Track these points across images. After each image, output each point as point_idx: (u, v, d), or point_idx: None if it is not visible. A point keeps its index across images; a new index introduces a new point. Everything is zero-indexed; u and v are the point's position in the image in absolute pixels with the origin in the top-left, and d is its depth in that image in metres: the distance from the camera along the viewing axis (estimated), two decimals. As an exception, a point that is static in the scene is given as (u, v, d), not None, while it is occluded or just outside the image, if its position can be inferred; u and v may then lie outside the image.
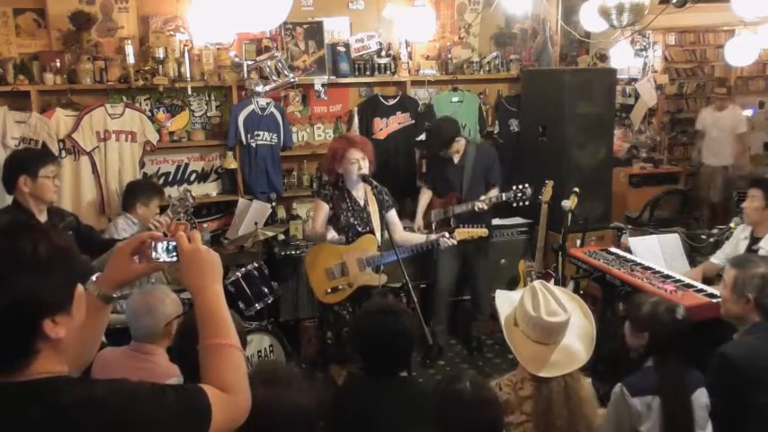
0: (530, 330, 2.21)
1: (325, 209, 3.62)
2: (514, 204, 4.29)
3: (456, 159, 4.51)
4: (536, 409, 2.14)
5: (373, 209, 3.62)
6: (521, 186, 4.26)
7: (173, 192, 4.69)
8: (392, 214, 3.74)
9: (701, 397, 2.30)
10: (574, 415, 2.13)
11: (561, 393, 2.15)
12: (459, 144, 4.47)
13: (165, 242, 1.43)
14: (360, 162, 3.51)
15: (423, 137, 5.17)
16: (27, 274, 1.11)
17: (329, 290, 3.57)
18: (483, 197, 4.32)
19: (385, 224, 3.57)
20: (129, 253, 1.44)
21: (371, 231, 3.61)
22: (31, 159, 3.21)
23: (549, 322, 2.17)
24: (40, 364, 1.14)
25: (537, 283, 2.29)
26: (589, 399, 2.21)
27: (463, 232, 3.71)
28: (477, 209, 4.26)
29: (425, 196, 4.65)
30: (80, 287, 1.22)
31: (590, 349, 2.24)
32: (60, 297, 1.16)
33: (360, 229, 3.58)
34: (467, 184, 4.46)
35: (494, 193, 4.39)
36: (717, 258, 3.70)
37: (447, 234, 3.63)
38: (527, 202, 4.27)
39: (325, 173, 3.98)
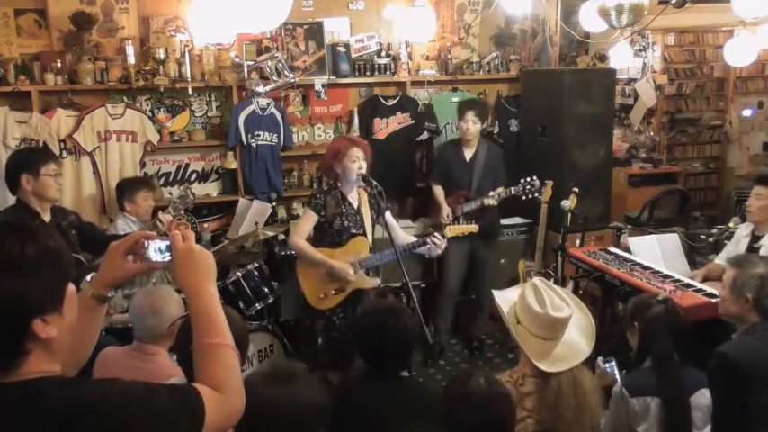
0: (535, 327, 2.20)
1: (312, 219, 3.55)
2: (524, 197, 4.31)
3: (468, 156, 4.54)
4: (543, 403, 2.14)
5: (365, 210, 3.60)
6: (528, 179, 4.27)
7: (173, 191, 4.71)
8: (389, 216, 3.74)
9: (700, 398, 2.30)
10: (581, 407, 2.14)
11: (570, 385, 2.15)
12: (469, 125, 4.45)
13: (159, 242, 1.42)
14: (360, 161, 3.51)
15: (423, 137, 5.18)
16: (15, 275, 1.10)
17: (322, 295, 3.52)
18: (492, 192, 4.34)
19: (384, 226, 3.54)
20: (123, 253, 1.43)
21: (364, 233, 3.60)
22: (32, 158, 3.23)
23: (557, 317, 2.16)
24: (32, 364, 1.14)
25: (537, 280, 2.29)
26: (593, 390, 2.22)
27: (454, 229, 3.70)
28: (486, 204, 4.29)
29: (439, 189, 4.63)
30: (71, 286, 1.21)
31: (591, 343, 2.24)
32: (50, 297, 1.15)
33: (353, 230, 3.57)
34: (476, 182, 4.48)
35: (501, 188, 4.40)
36: (721, 259, 3.62)
37: (437, 234, 3.55)
38: (537, 194, 4.28)
39: (324, 173, 3.97)
